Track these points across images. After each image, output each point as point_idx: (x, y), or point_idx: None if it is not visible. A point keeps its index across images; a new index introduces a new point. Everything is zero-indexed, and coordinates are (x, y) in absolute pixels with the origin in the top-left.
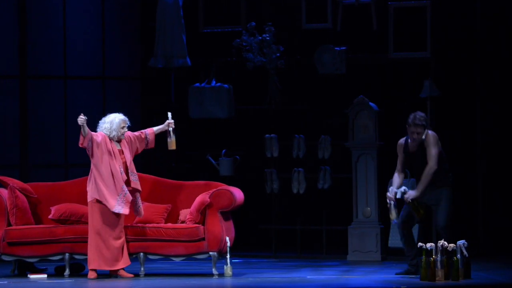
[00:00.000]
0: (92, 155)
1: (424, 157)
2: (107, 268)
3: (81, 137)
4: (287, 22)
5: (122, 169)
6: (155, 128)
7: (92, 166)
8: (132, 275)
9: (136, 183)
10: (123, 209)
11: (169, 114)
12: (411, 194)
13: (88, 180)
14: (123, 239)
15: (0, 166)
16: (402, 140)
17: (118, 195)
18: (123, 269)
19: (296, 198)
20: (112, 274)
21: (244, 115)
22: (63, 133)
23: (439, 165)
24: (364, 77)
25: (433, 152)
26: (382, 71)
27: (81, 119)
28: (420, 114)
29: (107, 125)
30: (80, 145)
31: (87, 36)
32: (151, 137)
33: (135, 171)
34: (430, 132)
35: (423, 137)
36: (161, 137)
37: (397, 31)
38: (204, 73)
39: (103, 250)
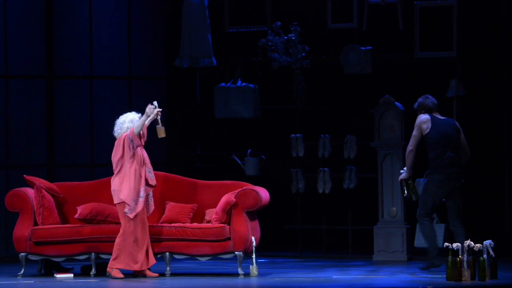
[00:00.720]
0: (133, 154)
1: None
2: (133, 268)
3: (145, 129)
4: (312, 21)
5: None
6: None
7: (123, 167)
8: (157, 275)
9: (152, 180)
10: (131, 214)
11: (155, 102)
12: (401, 175)
13: (118, 182)
14: (148, 239)
15: (27, 166)
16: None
17: (134, 199)
18: (148, 268)
19: (322, 198)
20: (138, 274)
21: (269, 115)
22: (89, 133)
23: (428, 151)
24: (390, 76)
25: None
26: (408, 71)
27: (151, 108)
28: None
29: (129, 125)
30: (135, 140)
31: (113, 36)
32: (144, 131)
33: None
34: (420, 116)
35: None
36: (192, 135)
37: (423, 30)
38: (229, 73)
39: (129, 249)
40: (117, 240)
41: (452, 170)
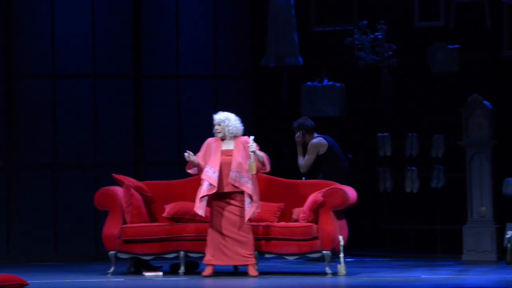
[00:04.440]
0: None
1: None
2: (228, 264)
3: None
4: (399, 20)
5: (216, 170)
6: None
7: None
8: (257, 273)
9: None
10: (201, 211)
11: (251, 138)
12: None
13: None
14: (244, 236)
15: (115, 165)
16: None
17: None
18: (254, 266)
19: (409, 197)
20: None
21: (356, 113)
22: (176, 132)
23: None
24: (478, 75)
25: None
26: (496, 69)
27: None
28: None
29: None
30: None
31: (199, 36)
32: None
33: (243, 172)
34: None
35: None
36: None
37: (511, 28)
38: (316, 72)
39: (222, 247)
40: (207, 238)
41: None
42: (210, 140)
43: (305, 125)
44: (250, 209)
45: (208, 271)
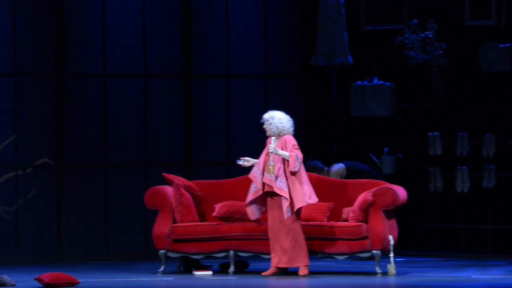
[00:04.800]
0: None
1: None
2: (287, 266)
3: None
4: (450, 19)
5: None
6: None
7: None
8: (308, 273)
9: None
10: (252, 217)
11: (272, 139)
12: None
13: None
14: (297, 236)
15: (165, 164)
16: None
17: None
18: (306, 266)
19: (460, 197)
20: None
21: (406, 113)
22: (226, 131)
23: None
24: None
25: None
26: None
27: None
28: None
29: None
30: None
31: (249, 35)
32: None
33: (280, 175)
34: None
35: None
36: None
37: None
38: (365, 71)
39: (281, 248)
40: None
41: None
42: (268, 139)
43: (315, 167)
44: (285, 208)
45: (271, 271)
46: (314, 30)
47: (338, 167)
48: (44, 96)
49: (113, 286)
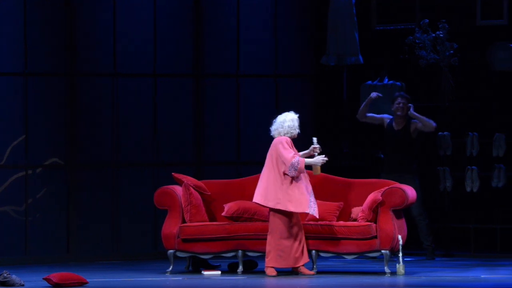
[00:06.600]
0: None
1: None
2: (287, 267)
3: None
4: (461, 18)
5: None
6: (301, 154)
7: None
8: (313, 272)
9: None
10: (316, 209)
11: (315, 139)
12: None
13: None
14: (301, 235)
15: (175, 164)
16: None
17: (310, 195)
18: (303, 265)
19: (470, 196)
20: (293, 271)
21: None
22: (236, 132)
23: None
24: None
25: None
26: None
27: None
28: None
29: (291, 123)
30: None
31: (260, 35)
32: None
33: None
34: None
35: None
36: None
37: None
38: (376, 71)
39: (283, 249)
40: (267, 238)
41: None
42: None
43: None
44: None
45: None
46: (324, 29)
47: None
48: (54, 95)
49: (122, 286)
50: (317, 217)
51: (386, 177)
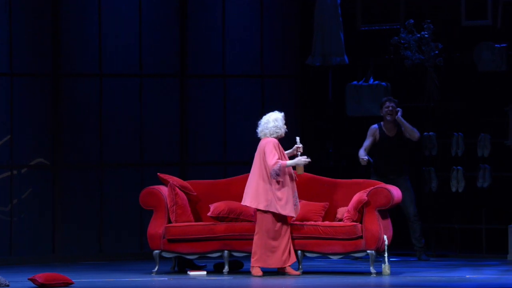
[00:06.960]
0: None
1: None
2: (275, 267)
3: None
4: (446, 19)
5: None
6: (286, 152)
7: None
8: (298, 273)
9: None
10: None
11: (298, 139)
12: None
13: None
14: (288, 236)
15: (160, 164)
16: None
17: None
18: (289, 266)
19: (455, 196)
20: (279, 272)
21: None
22: (222, 132)
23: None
24: None
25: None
26: None
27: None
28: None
29: (274, 124)
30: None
31: (245, 35)
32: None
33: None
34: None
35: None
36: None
37: None
38: (361, 71)
39: (271, 249)
40: (254, 238)
41: None
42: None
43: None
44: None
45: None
46: (310, 30)
47: None
48: (39, 96)
49: (107, 286)
50: (295, 216)
51: (378, 179)
